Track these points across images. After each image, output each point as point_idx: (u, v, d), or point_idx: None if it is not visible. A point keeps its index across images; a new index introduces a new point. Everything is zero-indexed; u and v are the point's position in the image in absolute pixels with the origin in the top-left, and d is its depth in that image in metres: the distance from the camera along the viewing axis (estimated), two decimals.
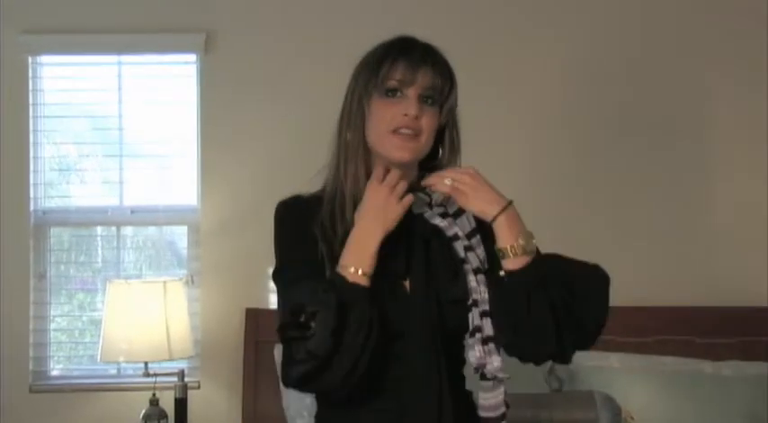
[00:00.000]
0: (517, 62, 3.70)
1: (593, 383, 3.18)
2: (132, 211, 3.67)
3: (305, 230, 1.80)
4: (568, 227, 3.58)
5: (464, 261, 1.78)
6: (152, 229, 3.73)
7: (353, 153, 1.82)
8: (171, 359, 3.29)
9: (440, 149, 1.86)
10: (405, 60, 1.78)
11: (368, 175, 1.82)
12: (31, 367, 3.59)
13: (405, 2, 3.64)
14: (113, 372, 3.67)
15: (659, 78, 3.72)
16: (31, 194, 3.62)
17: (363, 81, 1.81)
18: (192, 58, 3.67)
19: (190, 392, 3.38)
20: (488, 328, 1.75)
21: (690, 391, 3.22)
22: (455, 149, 1.87)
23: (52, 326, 3.66)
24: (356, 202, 1.79)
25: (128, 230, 3.72)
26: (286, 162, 3.54)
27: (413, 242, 1.80)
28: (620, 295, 3.37)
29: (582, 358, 3.24)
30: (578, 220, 3.63)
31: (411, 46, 1.82)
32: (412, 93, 1.77)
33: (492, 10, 3.71)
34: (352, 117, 1.82)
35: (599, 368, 3.27)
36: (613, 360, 3.31)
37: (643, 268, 3.63)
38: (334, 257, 1.75)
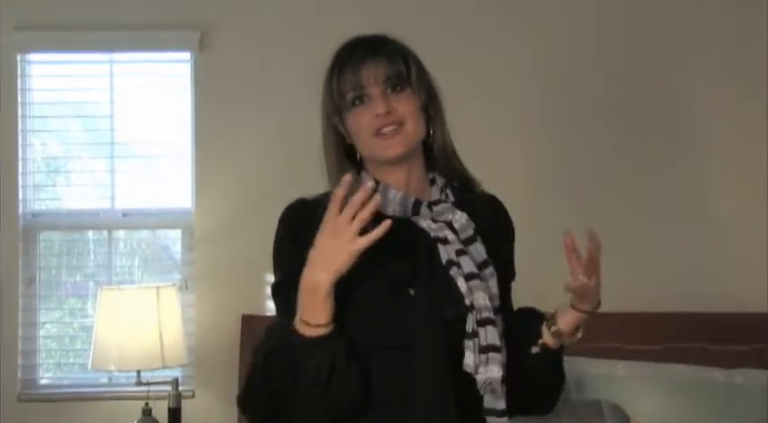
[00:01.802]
0: (506, 61, 3.64)
1: (601, 392, 3.11)
2: (124, 215, 3.60)
3: (303, 246, 1.72)
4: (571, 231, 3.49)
5: (453, 263, 1.72)
6: (145, 233, 3.67)
7: (336, 178, 1.79)
8: (164, 367, 3.23)
9: (430, 128, 1.83)
10: (348, 67, 1.75)
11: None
12: (19, 375, 3.51)
13: (403, 3, 3.58)
14: (105, 380, 3.59)
15: (657, 78, 3.66)
16: (20, 197, 3.54)
17: (325, 103, 1.80)
18: (187, 56, 3.59)
19: (184, 402, 3.30)
20: (491, 335, 1.70)
21: (701, 400, 3.16)
22: (441, 119, 1.84)
23: (42, 333, 3.59)
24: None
25: (120, 234, 3.64)
26: (282, 164, 3.49)
27: (418, 247, 1.75)
28: (628, 302, 3.39)
29: (588, 366, 3.20)
30: (582, 224, 3.53)
31: (350, 50, 1.79)
32: (373, 91, 1.74)
33: (483, 9, 3.65)
34: (325, 139, 1.81)
35: (606, 376, 3.20)
36: (620, 368, 3.24)
37: (651, 274, 3.56)
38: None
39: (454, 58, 3.46)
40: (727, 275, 3.58)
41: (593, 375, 3.19)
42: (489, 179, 1.86)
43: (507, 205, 1.89)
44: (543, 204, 3.50)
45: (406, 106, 1.76)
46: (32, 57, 3.58)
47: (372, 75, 1.75)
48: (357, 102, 1.76)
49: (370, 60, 1.76)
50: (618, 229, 3.56)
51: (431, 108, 1.83)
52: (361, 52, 1.78)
